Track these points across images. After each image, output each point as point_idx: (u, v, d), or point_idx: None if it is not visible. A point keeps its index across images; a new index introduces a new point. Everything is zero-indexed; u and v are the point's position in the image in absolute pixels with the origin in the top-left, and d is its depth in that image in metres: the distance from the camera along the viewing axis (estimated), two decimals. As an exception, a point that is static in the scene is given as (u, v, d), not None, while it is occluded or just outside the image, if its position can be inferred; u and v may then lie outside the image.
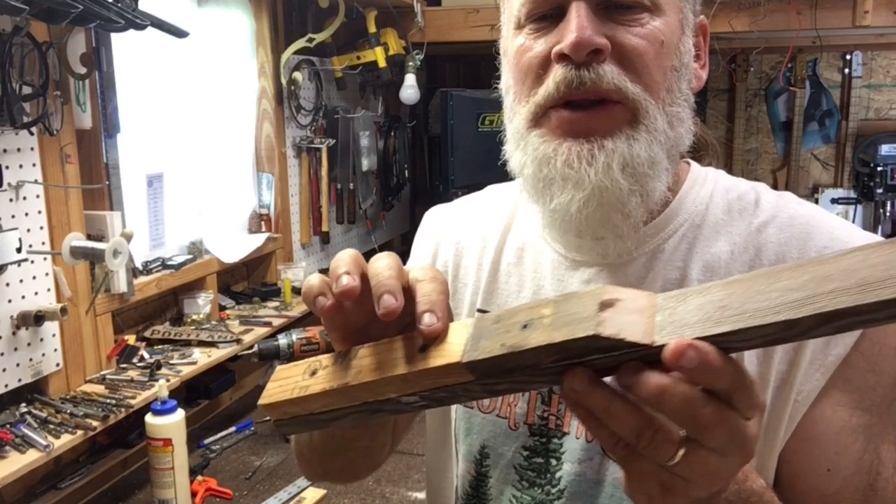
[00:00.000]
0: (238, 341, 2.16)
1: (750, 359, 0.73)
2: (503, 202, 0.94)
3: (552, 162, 0.73)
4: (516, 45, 0.77)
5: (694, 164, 0.85)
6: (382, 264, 0.57)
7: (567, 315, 0.48)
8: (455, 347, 0.52)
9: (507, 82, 0.81)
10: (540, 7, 0.75)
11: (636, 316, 0.47)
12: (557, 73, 0.72)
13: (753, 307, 0.43)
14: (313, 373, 0.59)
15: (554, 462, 0.81)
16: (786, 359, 0.73)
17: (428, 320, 0.53)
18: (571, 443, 0.80)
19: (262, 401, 0.60)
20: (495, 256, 0.90)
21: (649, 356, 0.45)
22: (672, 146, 0.75)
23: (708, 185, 0.82)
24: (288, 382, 0.60)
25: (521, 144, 0.78)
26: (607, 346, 0.46)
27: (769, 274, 0.44)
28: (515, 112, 0.78)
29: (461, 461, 0.88)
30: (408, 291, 0.56)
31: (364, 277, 0.57)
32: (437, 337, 0.54)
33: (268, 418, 0.62)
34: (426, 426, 0.97)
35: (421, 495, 1.84)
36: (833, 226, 0.76)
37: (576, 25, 0.70)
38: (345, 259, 0.57)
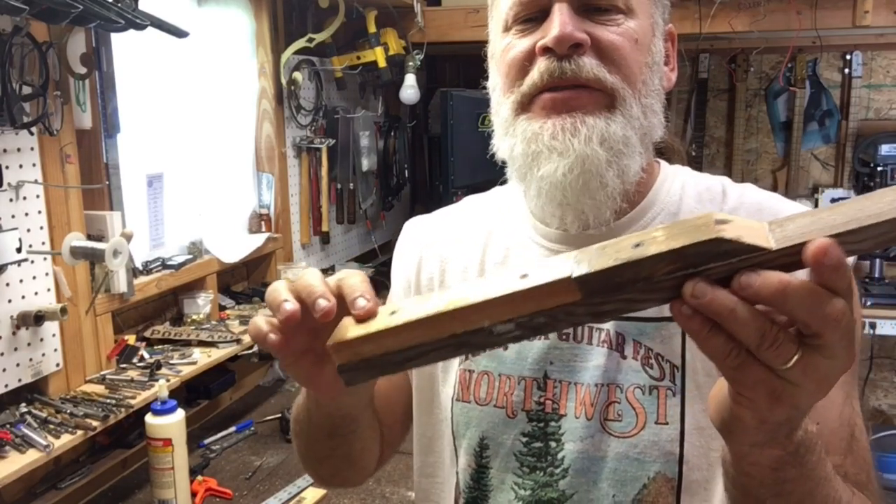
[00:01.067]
0: (238, 341, 2.16)
1: None
2: (484, 211, 0.99)
3: (540, 137, 0.80)
4: (503, 45, 0.84)
5: (664, 162, 0.93)
6: (308, 278, 0.64)
7: (682, 231, 0.49)
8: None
9: (494, 80, 0.88)
10: (526, 9, 0.82)
11: (750, 230, 0.49)
12: (541, 64, 0.79)
13: (865, 214, 0.47)
14: (392, 312, 0.58)
15: (554, 444, 0.84)
16: None
17: (361, 303, 0.59)
18: (570, 423, 0.83)
19: (331, 341, 0.59)
20: (481, 257, 0.94)
21: (766, 262, 0.48)
22: (645, 133, 0.82)
23: (678, 178, 0.90)
24: (363, 325, 0.58)
25: (508, 131, 0.84)
26: (728, 250, 0.47)
27: (868, 197, 0.49)
28: (502, 104, 0.85)
29: (462, 455, 0.90)
30: (341, 298, 0.61)
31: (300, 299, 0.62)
32: (371, 315, 0.58)
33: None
34: (412, 430, 0.98)
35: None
36: (795, 208, 0.84)
37: (558, 22, 0.78)
38: (278, 289, 0.64)
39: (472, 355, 0.89)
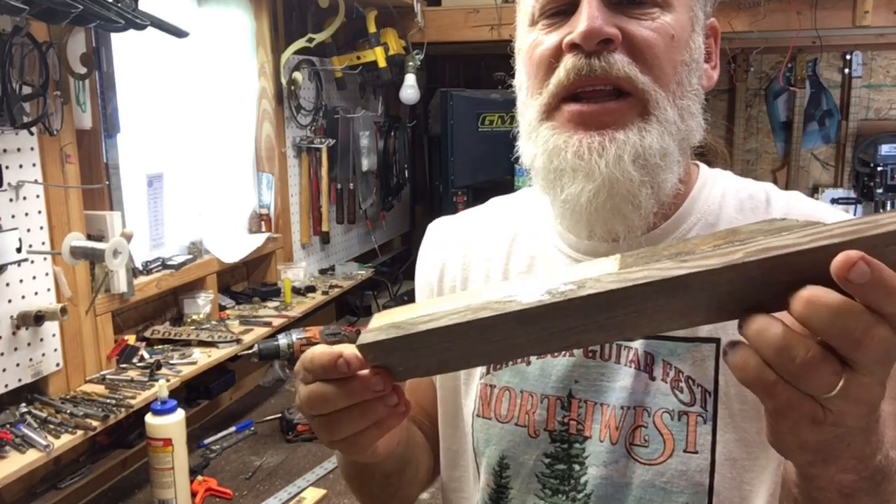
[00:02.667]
0: (238, 341, 2.16)
1: None
2: (508, 214, 0.94)
3: (563, 153, 0.74)
4: (529, 41, 0.79)
5: (703, 165, 0.86)
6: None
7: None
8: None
9: (520, 79, 0.82)
10: (553, 1, 0.77)
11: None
12: (568, 61, 0.74)
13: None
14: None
15: (577, 467, 0.80)
16: None
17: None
18: (595, 446, 0.79)
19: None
20: (504, 266, 0.89)
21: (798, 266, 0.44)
22: (683, 139, 0.76)
23: (718, 185, 0.84)
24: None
25: (532, 137, 0.78)
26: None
27: None
28: (528, 106, 0.80)
29: (482, 474, 0.86)
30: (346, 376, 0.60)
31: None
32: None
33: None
34: (439, 446, 0.95)
35: (423, 495, 1.84)
36: (845, 218, 0.80)
37: (587, 15, 0.72)
38: (322, 355, 0.61)
39: (495, 368, 0.86)
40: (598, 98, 0.74)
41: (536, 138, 0.78)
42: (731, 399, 0.75)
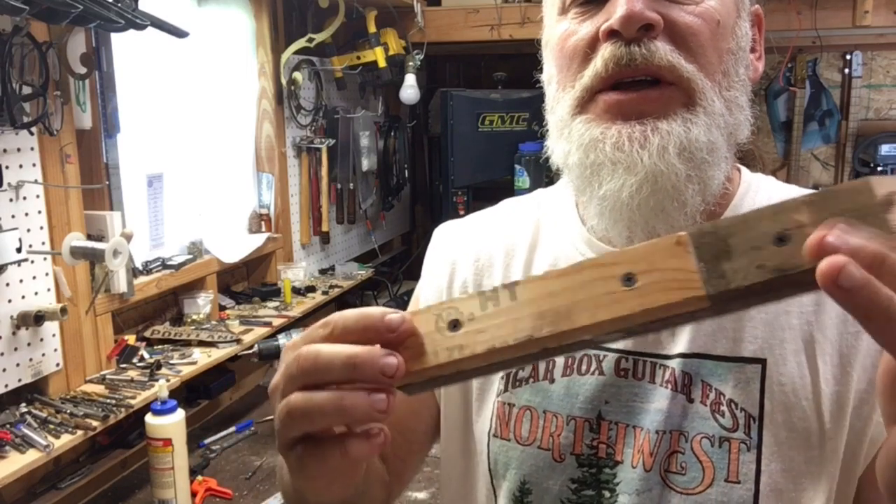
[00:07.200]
0: (238, 341, 2.16)
1: (826, 377, 0.70)
2: (524, 216, 0.88)
3: (600, 146, 0.68)
4: (560, 31, 0.73)
5: (745, 169, 0.81)
6: (335, 350, 0.48)
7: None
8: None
9: (550, 72, 0.76)
10: None
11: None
12: (606, 50, 0.68)
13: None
14: (454, 325, 0.47)
15: (607, 494, 0.74)
16: (865, 377, 0.69)
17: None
18: (627, 472, 0.73)
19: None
20: (524, 272, 0.83)
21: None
22: (731, 133, 0.71)
23: (763, 191, 0.78)
24: (417, 340, 0.48)
25: (564, 133, 0.73)
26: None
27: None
28: (558, 101, 0.74)
29: (501, 498, 0.80)
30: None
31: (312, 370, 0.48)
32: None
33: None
34: (441, 463, 0.89)
35: (421, 495, 1.84)
36: None
37: None
38: (335, 350, 0.48)
39: (513, 386, 0.79)
40: (638, 88, 0.68)
41: (570, 134, 0.72)
42: (778, 426, 0.70)
